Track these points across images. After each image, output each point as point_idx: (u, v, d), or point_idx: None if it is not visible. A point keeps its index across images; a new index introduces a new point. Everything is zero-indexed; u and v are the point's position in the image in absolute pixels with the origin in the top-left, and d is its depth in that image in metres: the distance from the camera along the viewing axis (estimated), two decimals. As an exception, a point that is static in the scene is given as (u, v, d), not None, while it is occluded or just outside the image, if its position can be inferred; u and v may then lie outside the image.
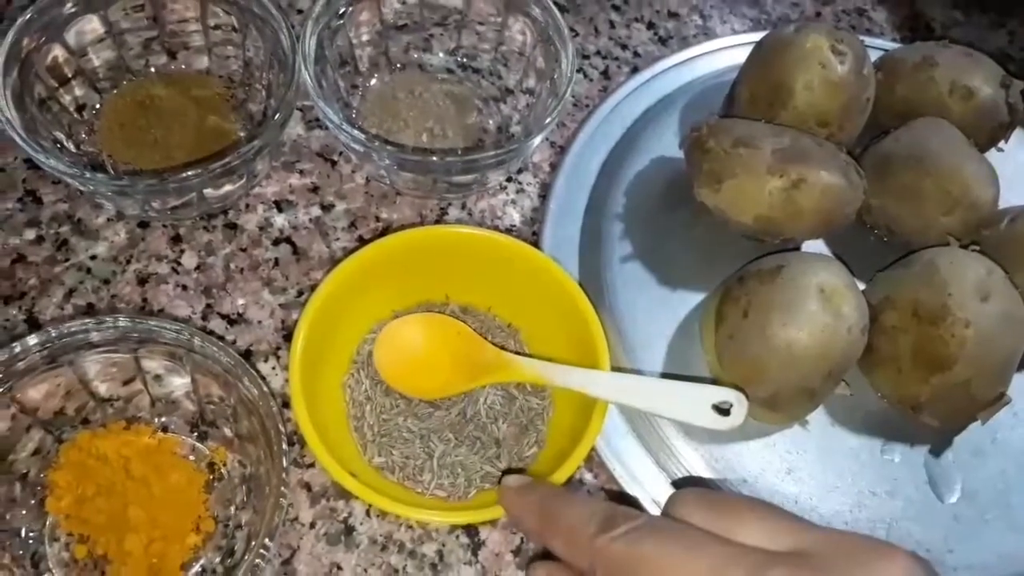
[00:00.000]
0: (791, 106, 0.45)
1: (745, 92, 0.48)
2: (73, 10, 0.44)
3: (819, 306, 0.38)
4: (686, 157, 0.44)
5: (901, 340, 0.41)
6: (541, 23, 0.48)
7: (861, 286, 0.43)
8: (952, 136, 0.45)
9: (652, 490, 0.41)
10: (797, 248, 0.45)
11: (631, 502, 0.40)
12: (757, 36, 0.50)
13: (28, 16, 0.42)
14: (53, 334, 0.36)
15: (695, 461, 0.41)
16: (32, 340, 0.35)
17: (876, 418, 0.43)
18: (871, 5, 0.60)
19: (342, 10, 0.46)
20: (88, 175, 0.40)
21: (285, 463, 0.34)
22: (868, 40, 0.56)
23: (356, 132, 0.42)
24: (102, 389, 0.38)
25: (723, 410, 0.37)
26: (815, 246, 0.46)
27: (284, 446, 0.34)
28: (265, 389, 0.35)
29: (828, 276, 0.39)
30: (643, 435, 0.42)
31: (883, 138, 0.47)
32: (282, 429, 0.34)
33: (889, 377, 0.42)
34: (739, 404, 0.37)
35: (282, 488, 0.34)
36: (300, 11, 0.53)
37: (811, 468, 0.42)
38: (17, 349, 0.35)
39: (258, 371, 0.41)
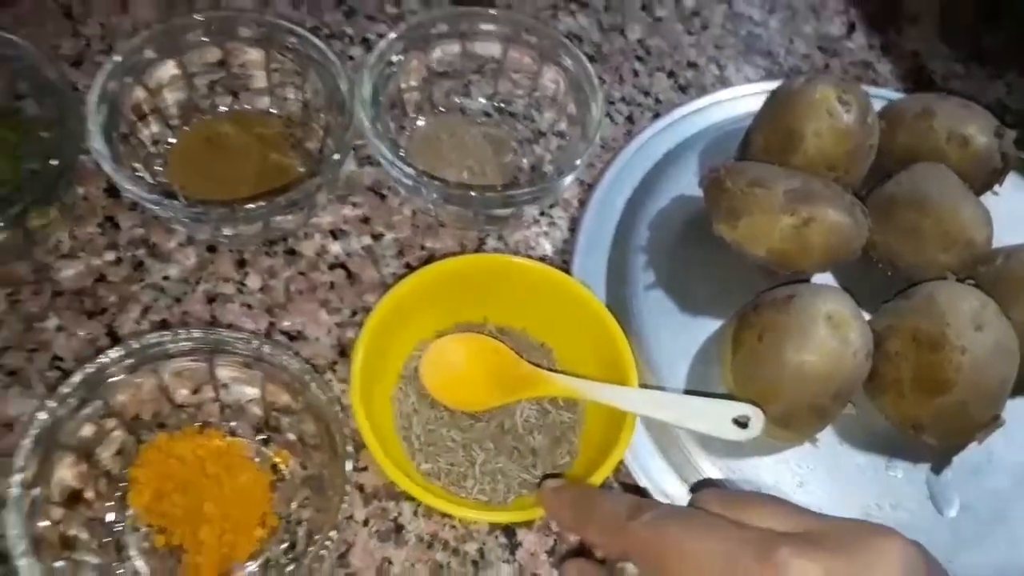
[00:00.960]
0: (802, 151, 0.49)
1: (759, 138, 0.52)
2: (153, 56, 0.49)
3: (828, 332, 0.42)
4: (705, 195, 0.49)
5: (903, 365, 0.44)
6: (573, 72, 0.53)
7: (866, 316, 0.47)
8: (950, 180, 0.49)
9: (668, 491, 0.44)
10: (807, 280, 0.49)
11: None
12: (770, 85, 0.55)
13: (116, 61, 0.47)
14: (136, 346, 0.40)
15: (714, 473, 0.45)
16: (118, 352, 0.40)
17: (881, 437, 0.46)
18: (876, 58, 0.64)
19: (394, 59, 0.51)
20: (167, 202, 0.44)
21: (350, 465, 0.38)
22: (873, 90, 0.60)
23: (408, 168, 0.47)
24: (178, 396, 0.43)
25: (741, 424, 0.41)
26: (823, 278, 0.50)
27: (349, 448, 0.38)
28: (331, 395, 0.39)
29: (836, 305, 0.43)
30: (666, 449, 0.46)
31: (886, 181, 0.51)
32: (347, 432, 0.38)
33: (892, 399, 0.45)
34: (756, 418, 0.41)
35: (346, 486, 0.38)
36: (351, 58, 0.58)
37: (821, 482, 0.45)
38: (107, 359, 0.40)
39: (315, 383, 0.45)
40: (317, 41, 0.49)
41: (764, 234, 0.46)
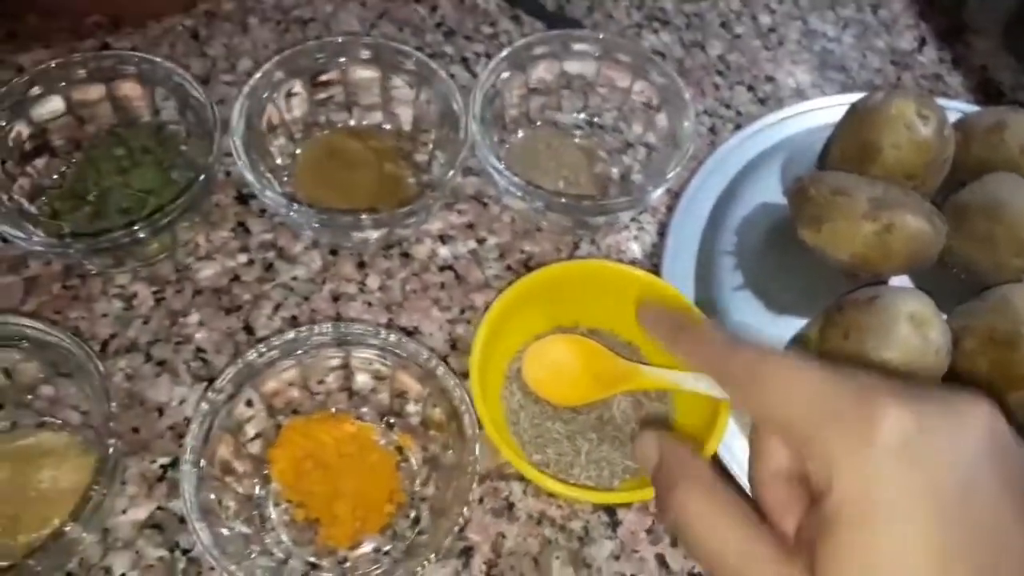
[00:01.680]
0: (880, 162, 0.52)
1: (838, 149, 0.55)
2: (281, 77, 0.54)
3: (910, 331, 0.45)
4: (790, 202, 0.52)
5: (979, 362, 0.47)
6: (663, 87, 0.56)
7: (944, 315, 0.50)
8: (1021, 188, 0.52)
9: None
10: (886, 283, 0.52)
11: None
12: (844, 98, 0.58)
13: (253, 83, 0.52)
14: (277, 341, 0.45)
15: (799, 461, 0.48)
16: (264, 346, 0.44)
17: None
18: (947, 71, 0.67)
19: (500, 78, 0.55)
20: (300, 207, 0.49)
21: (477, 447, 0.42)
22: (945, 102, 0.63)
23: (516, 179, 0.51)
24: (312, 384, 0.47)
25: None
26: (901, 282, 0.53)
27: (475, 431, 0.42)
28: (457, 381, 0.44)
29: (917, 305, 0.46)
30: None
31: (960, 190, 0.54)
32: (473, 416, 0.43)
33: (968, 395, 0.48)
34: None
35: (476, 466, 0.42)
36: (452, 75, 0.62)
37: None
38: (255, 353, 0.44)
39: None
40: (429, 62, 0.54)
41: (847, 239, 0.49)
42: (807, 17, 0.69)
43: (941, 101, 0.62)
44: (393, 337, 0.45)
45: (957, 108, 0.63)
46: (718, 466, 0.48)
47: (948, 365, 0.47)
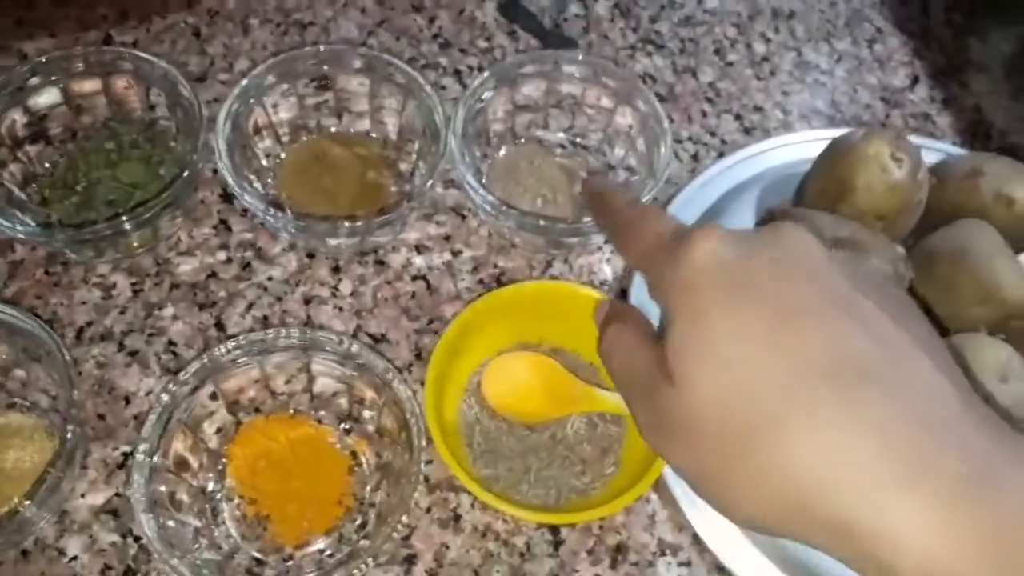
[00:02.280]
0: (852, 201, 0.53)
1: (814, 185, 0.56)
2: (273, 81, 0.55)
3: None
4: (759, 237, 0.53)
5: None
6: (644, 113, 0.57)
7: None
8: (991, 238, 0.52)
9: (701, 505, 0.49)
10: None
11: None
12: (831, 132, 0.58)
13: (243, 85, 0.53)
14: (244, 340, 0.46)
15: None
16: (230, 344, 0.46)
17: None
18: (937, 111, 0.67)
19: (485, 95, 0.56)
20: (277, 213, 0.51)
21: (424, 456, 0.43)
22: (930, 143, 0.64)
23: (489, 196, 0.52)
24: (275, 385, 0.49)
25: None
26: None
27: (423, 442, 0.44)
28: (411, 392, 0.45)
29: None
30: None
31: (931, 234, 0.54)
32: (423, 427, 0.44)
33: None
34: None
35: (419, 476, 0.43)
36: (444, 87, 0.63)
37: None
38: (220, 350, 0.46)
39: (393, 382, 0.51)
40: (417, 76, 0.55)
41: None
42: (802, 48, 0.69)
43: (927, 142, 0.63)
44: (355, 347, 0.46)
45: (943, 149, 0.63)
46: (664, 487, 0.49)
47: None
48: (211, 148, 0.52)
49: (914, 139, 0.56)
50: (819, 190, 0.55)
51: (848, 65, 0.69)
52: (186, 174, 0.51)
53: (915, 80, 0.69)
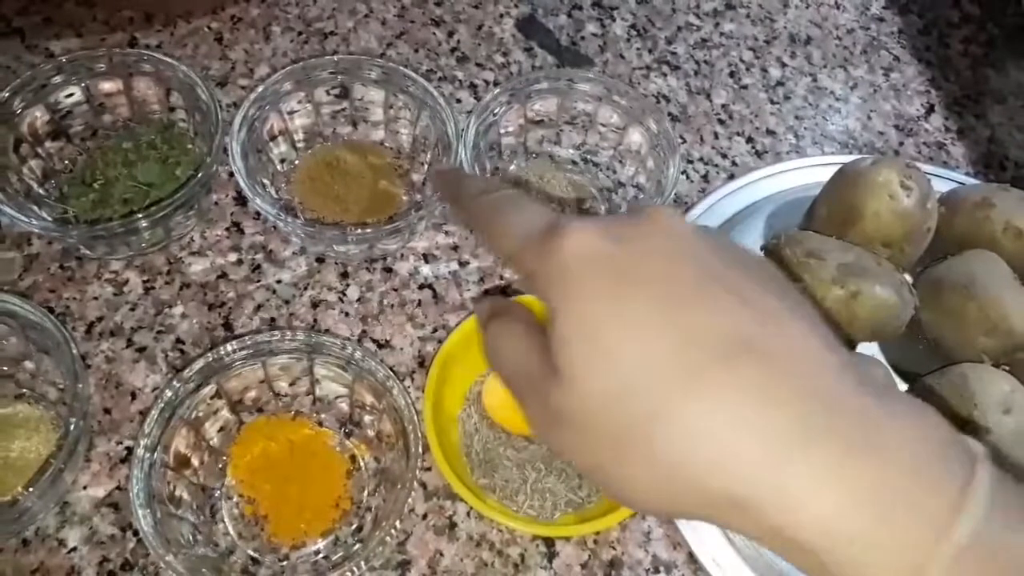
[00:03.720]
0: (860, 227, 0.53)
1: (823, 209, 0.56)
2: (290, 88, 0.56)
3: (861, 398, 0.46)
4: (765, 257, 0.53)
5: (931, 437, 0.48)
6: (655, 133, 0.58)
7: (904, 386, 0.51)
8: (999, 269, 0.52)
9: (699, 527, 0.49)
10: (852, 348, 0.53)
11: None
12: (843, 159, 0.58)
13: (260, 91, 0.54)
14: (250, 341, 0.47)
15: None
16: (234, 344, 0.47)
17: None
18: (951, 140, 0.67)
19: (498, 109, 0.57)
20: (288, 217, 0.51)
21: (419, 464, 0.44)
22: (943, 172, 0.64)
23: (497, 209, 0.52)
24: (277, 386, 0.49)
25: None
26: (870, 348, 0.54)
27: (419, 449, 0.44)
28: (409, 401, 0.45)
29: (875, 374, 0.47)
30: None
31: (940, 263, 0.54)
32: (420, 435, 0.44)
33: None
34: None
35: (414, 483, 0.43)
36: (459, 100, 0.64)
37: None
38: (225, 349, 0.46)
39: (395, 389, 0.52)
40: (432, 88, 0.56)
41: (815, 302, 0.50)
42: (817, 74, 0.69)
43: (940, 171, 0.63)
44: (358, 353, 0.47)
45: (955, 179, 0.63)
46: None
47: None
48: (226, 151, 0.53)
49: (927, 168, 0.56)
50: (827, 215, 0.55)
51: (863, 92, 0.69)
52: (200, 175, 0.52)
53: (930, 109, 0.69)
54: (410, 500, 0.44)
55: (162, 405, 0.44)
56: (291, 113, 0.57)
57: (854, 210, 0.53)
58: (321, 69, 0.57)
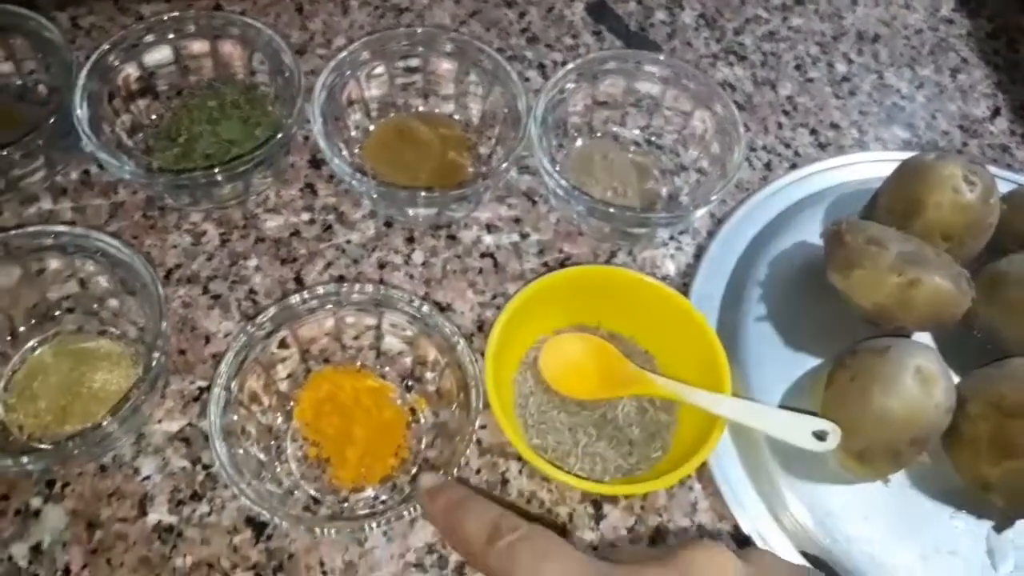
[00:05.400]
0: (922, 219, 0.54)
1: (884, 201, 0.57)
2: (367, 57, 0.58)
3: (914, 383, 0.47)
4: (825, 244, 0.54)
5: (981, 427, 0.48)
6: (721, 118, 0.59)
7: (956, 377, 0.51)
8: (1060, 267, 0.53)
9: (746, 502, 0.50)
10: (906, 336, 0.53)
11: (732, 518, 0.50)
12: (906, 155, 0.59)
13: (340, 58, 0.57)
14: (321, 291, 0.49)
15: (786, 491, 0.50)
16: (307, 293, 0.49)
17: (950, 490, 0.50)
18: (1016, 144, 0.67)
19: (567, 87, 0.58)
20: (363, 177, 0.53)
21: (478, 421, 0.45)
22: (1007, 174, 0.64)
23: (563, 181, 0.54)
24: (345, 338, 0.51)
25: (820, 438, 0.47)
26: (922, 338, 0.54)
27: (480, 405, 0.46)
28: (474, 358, 0.47)
29: (926, 361, 0.48)
30: (750, 465, 0.51)
31: (1001, 258, 0.55)
32: (482, 392, 0.46)
33: (967, 457, 0.49)
34: (834, 434, 0.46)
35: (473, 436, 0.45)
36: (527, 79, 0.66)
37: (885, 518, 0.49)
38: (297, 298, 0.48)
39: (455, 350, 0.53)
40: (504, 62, 0.57)
41: (873, 288, 0.50)
42: (884, 72, 0.70)
43: (1004, 173, 0.64)
44: (425, 308, 0.49)
45: (1018, 181, 0.63)
46: (709, 479, 0.50)
47: (948, 423, 0.48)
48: (306, 115, 0.55)
49: (990, 169, 0.56)
50: (889, 206, 0.56)
51: (929, 92, 0.69)
52: (280, 136, 0.54)
53: (996, 112, 0.69)
54: (467, 453, 0.45)
55: (238, 347, 0.46)
56: (368, 80, 0.59)
57: (917, 202, 0.54)
58: (398, 40, 0.59)
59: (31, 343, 0.51)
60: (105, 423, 0.44)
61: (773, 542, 0.48)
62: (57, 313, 0.51)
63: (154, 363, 0.46)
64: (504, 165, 0.54)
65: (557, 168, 0.59)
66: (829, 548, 0.48)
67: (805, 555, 0.48)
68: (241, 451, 0.45)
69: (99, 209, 0.56)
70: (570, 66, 0.58)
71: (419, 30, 0.59)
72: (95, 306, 0.51)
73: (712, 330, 0.50)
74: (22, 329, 0.51)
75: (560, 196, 0.56)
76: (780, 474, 0.50)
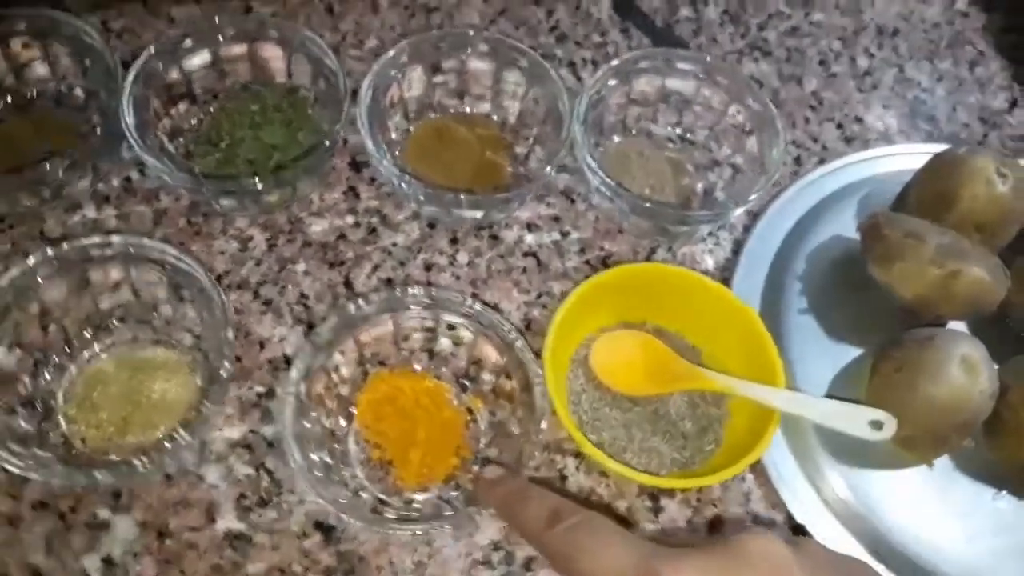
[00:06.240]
0: (956, 211, 0.55)
1: (916, 194, 0.58)
2: (406, 60, 0.59)
3: (959, 372, 0.48)
4: (862, 237, 0.55)
5: (1022, 413, 0.50)
6: (758, 113, 0.60)
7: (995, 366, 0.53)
8: (1093, 256, 0.54)
9: (797, 490, 0.51)
10: (943, 325, 0.55)
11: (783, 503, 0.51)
12: (929, 147, 0.61)
13: (383, 61, 0.57)
14: (376, 298, 0.50)
15: (834, 478, 0.51)
16: (373, 297, 0.49)
17: (992, 471, 0.52)
18: (1035, 135, 0.69)
19: (605, 86, 0.59)
20: (411, 180, 0.54)
21: (544, 421, 0.46)
22: (1027, 164, 0.66)
23: (608, 180, 0.55)
24: (400, 341, 0.52)
25: (875, 427, 0.48)
26: (958, 327, 0.56)
27: (546, 403, 0.46)
28: (533, 356, 0.48)
29: (970, 350, 0.49)
30: (800, 454, 0.52)
31: (1030, 248, 0.57)
32: (545, 391, 0.47)
33: (1008, 442, 0.51)
34: (890, 423, 0.48)
35: (538, 435, 0.46)
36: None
37: (929, 501, 0.51)
38: (359, 304, 0.49)
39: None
40: (544, 63, 0.58)
41: (913, 280, 0.52)
42: (904, 65, 0.71)
43: (1024, 162, 0.65)
44: (479, 307, 0.49)
45: (1039, 171, 0.65)
46: (758, 464, 0.51)
47: (991, 410, 0.49)
48: (349, 118, 0.55)
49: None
50: (921, 198, 0.58)
51: (949, 84, 0.71)
52: (327, 143, 0.54)
53: (1014, 103, 0.70)
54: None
55: (304, 356, 0.47)
56: (408, 83, 0.60)
57: (950, 194, 0.55)
58: (434, 42, 0.59)
59: (86, 354, 0.51)
60: (177, 435, 0.45)
61: (823, 527, 0.50)
62: (111, 323, 0.51)
63: (223, 372, 0.46)
64: (548, 168, 0.55)
65: (596, 165, 0.60)
66: (876, 529, 0.49)
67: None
68: (311, 455, 0.46)
69: (143, 216, 0.56)
70: (609, 66, 0.59)
71: (455, 31, 0.60)
72: (149, 315, 0.52)
73: (762, 323, 0.52)
74: (76, 341, 0.51)
75: (603, 194, 0.57)
76: (828, 461, 0.52)
